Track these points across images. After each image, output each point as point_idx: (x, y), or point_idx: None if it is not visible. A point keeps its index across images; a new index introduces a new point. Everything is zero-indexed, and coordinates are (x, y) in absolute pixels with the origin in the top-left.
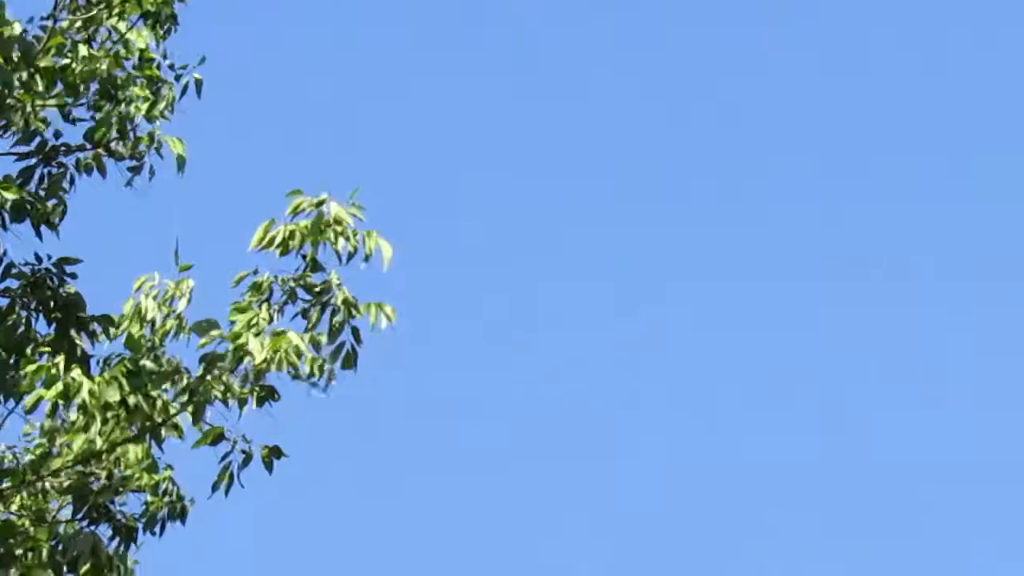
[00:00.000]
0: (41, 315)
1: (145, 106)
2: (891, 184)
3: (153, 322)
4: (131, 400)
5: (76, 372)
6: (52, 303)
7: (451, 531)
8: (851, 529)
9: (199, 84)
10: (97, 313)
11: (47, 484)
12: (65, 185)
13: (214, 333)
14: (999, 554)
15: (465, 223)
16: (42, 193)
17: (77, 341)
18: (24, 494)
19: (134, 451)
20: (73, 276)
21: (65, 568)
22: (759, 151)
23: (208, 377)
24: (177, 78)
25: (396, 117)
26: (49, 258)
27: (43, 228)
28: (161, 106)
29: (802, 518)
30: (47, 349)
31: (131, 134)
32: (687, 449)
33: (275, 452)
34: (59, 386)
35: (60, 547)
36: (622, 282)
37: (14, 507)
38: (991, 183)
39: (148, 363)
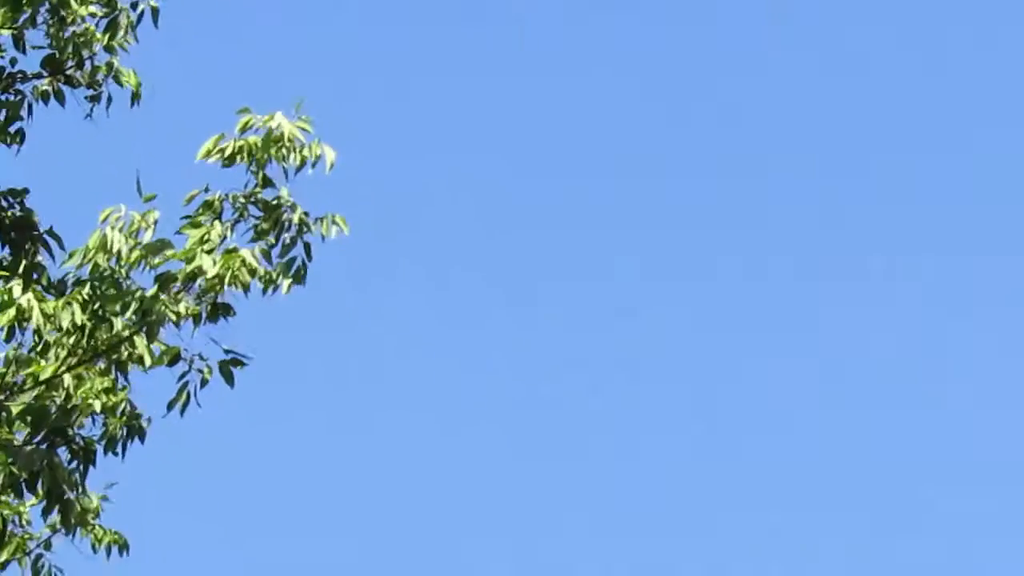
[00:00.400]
0: None
1: (104, 37)
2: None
3: (119, 253)
4: (87, 323)
5: (30, 295)
6: (5, 224)
7: (411, 442)
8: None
9: (155, 12)
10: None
11: (5, 411)
12: (23, 113)
13: (168, 253)
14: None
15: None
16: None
17: (36, 257)
18: None
19: (97, 378)
20: (25, 191)
21: (24, 488)
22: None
23: (162, 296)
24: (133, 5)
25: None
26: None
27: None
28: (120, 35)
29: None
30: (4, 273)
31: (88, 63)
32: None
33: (234, 363)
34: (11, 312)
35: (17, 466)
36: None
37: None
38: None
39: (109, 290)
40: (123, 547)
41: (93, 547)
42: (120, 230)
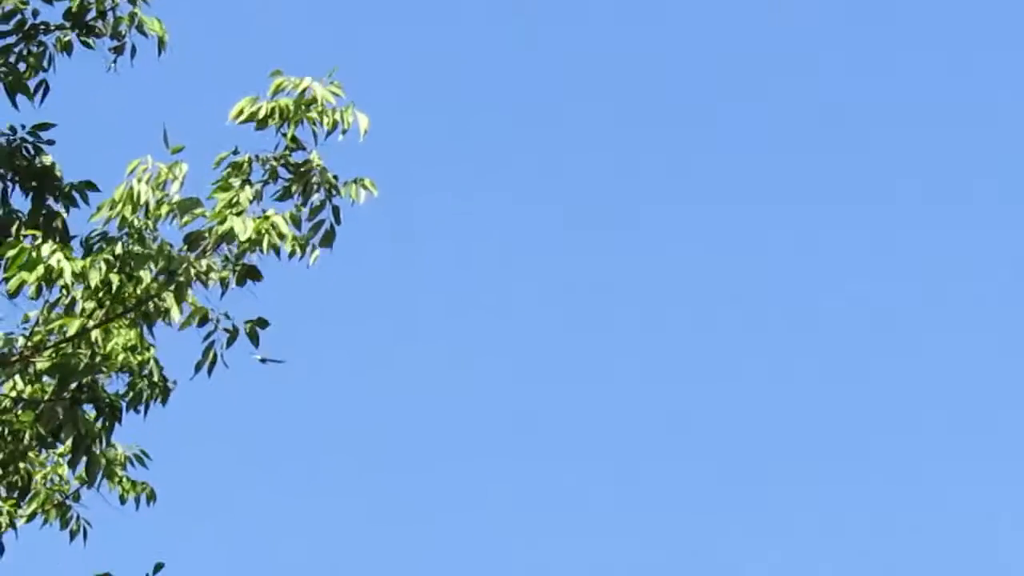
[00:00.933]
0: (17, 186)
1: None
2: None
3: (147, 205)
4: (114, 281)
5: (60, 255)
6: (28, 173)
7: (436, 402)
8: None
9: None
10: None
11: (35, 366)
12: (45, 64)
13: (196, 212)
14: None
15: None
16: (22, 68)
17: (56, 210)
18: (18, 379)
19: (124, 333)
20: (50, 143)
21: (49, 441)
22: None
23: (191, 256)
24: None
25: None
26: (23, 127)
27: (22, 100)
28: None
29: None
30: (31, 232)
31: (110, 13)
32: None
33: (260, 323)
34: (40, 269)
35: (42, 420)
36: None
37: (11, 391)
38: None
39: (136, 247)
40: (151, 497)
41: (121, 498)
42: (147, 182)
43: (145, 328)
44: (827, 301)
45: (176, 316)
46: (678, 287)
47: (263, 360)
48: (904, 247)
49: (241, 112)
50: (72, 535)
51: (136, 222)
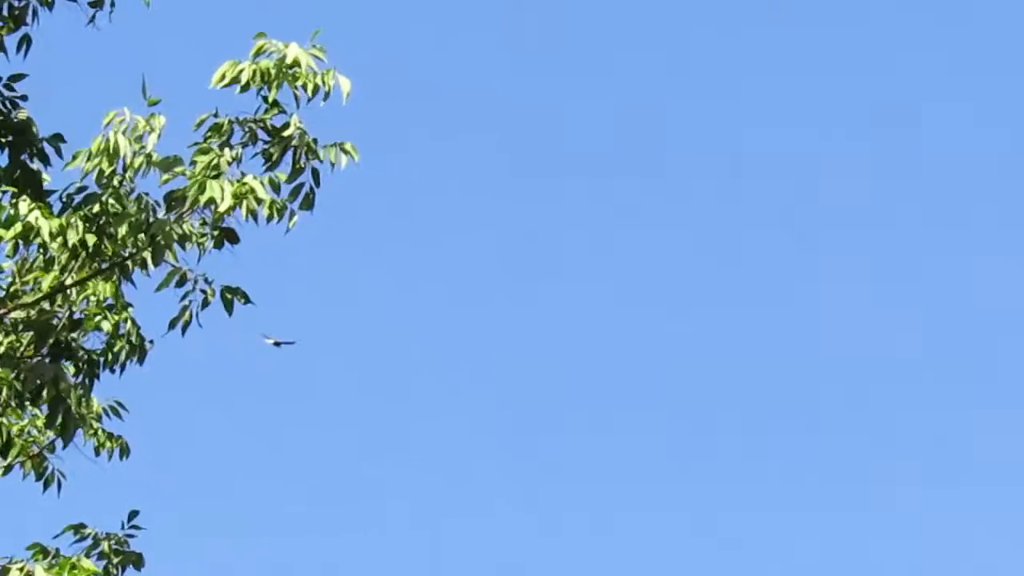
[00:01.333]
0: None
1: None
2: None
3: (124, 158)
4: (91, 240)
5: (38, 213)
6: (3, 127)
7: (412, 363)
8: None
9: None
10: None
11: (12, 318)
12: (28, 19)
13: (177, 170)
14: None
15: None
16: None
17: (31, 166)
18: None
19: (101, 287)
20: (23, 98)
21: (30, 401)
22: None
23: (170, 218)
24: None
25: None
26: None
27: None
28: None
29: None
30: (8, 188)
31: None
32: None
33: (235, 293)
34: (18, 227)
35: (22, 378)
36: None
37: None
38: None
39: (112, 201)
40: (124, 451)
41: (96, 450)
42: (124, 134)
43: (122, 285)
44: None
45: (152, 267)
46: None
47: (276, 343)
48: None
49: (223, 77)
50: (46, 485)
51: (116, 180)
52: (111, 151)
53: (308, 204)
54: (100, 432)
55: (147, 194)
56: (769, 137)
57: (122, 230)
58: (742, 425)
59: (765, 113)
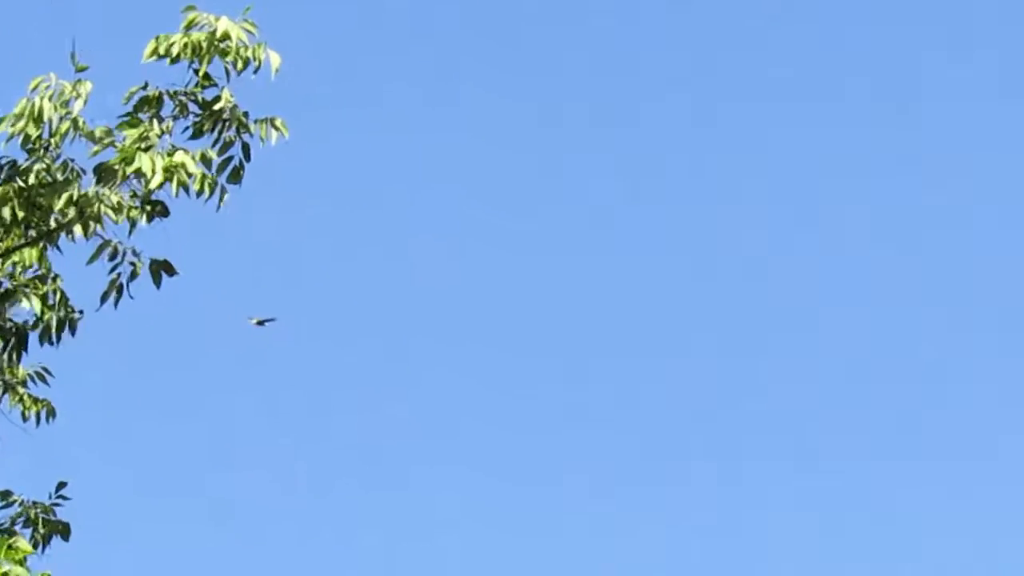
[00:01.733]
0: None
1: None
2: None
3: (50, 123)
4: (20, 214)
5: None
6: None
7: (341, 340)
8: None
9: None
10: None
11: None
12: None
13: (107, 141)
14: None
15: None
16: None
17: None
18: None
19: (28, 254)
20: None
21: None
22: None
23: (100, 190)
24: None
25: None
26: None
27: None
28: None
29: None
30: None
31: None
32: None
33: (163, 266)
34: None
35: None
36: None
37: None
38: None
39: (39, 166)
40: (51, 413)
41: (23, 415)
42: (50, 99)
43: (50, 253)
44: None
45: (84, 238)
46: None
47: (260, 322)
48: None
49: (154, 50)
50: None
51: (44, 153)
52: (36, 115)
53: (236, 178)
54: (26, 396)
55: (72, 160)
56: None
57: (58, 203)
58: None
59: None
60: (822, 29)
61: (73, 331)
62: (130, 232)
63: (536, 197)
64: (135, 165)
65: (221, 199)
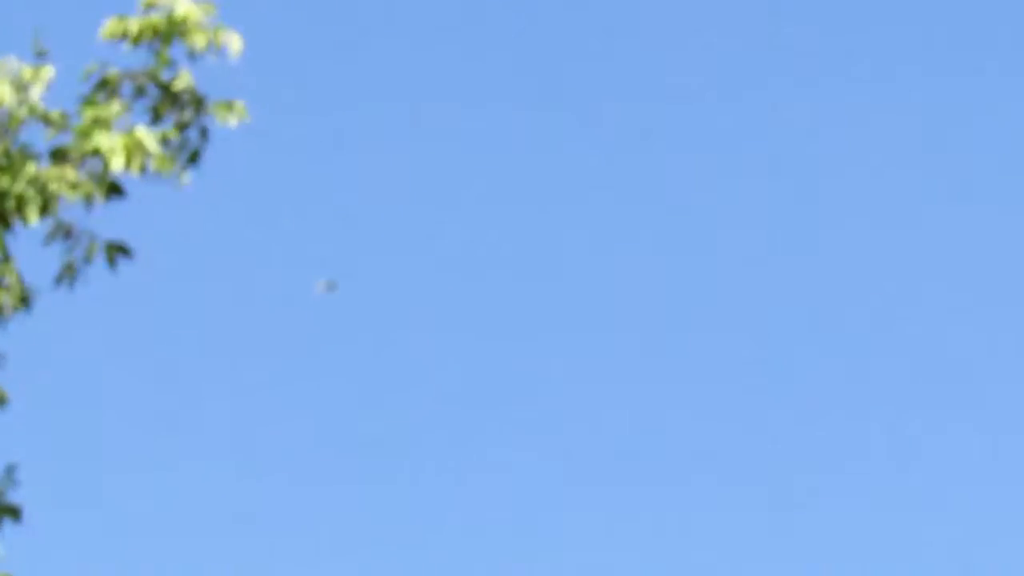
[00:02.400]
0: None
1: None
2: None
3: (8, 107)
4: None
5: None
6: None
7: (299, 327)
8: None
9: None
10: None
11: None
12: None
13: (64, 124)
14: None
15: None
16: None
17: None
18: None
19: None
20: None
21: None
22: None
23: (57, 171)
24: None
25: None
26: None
27: None
28: None
29: None
30: None
31: None
32: None
33: (119, 249)
34: None
35: None
36: None
37: None
38: None
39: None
40: (2, 400)
41: None
42: (9, 83)
43: (5, 236)
44: None
45: (36, 220)
46: None
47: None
48: None
49: (113, 30)
50: None
51: (2, 136)
52: None
53: (194, 159)
54: None
55: (30, 144)
56: None
57: (14, 185)
58: None
59: None
60: None
61: (28, 309)
62: (86, 212)
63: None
64: (93, 144)
65: (182, 179)
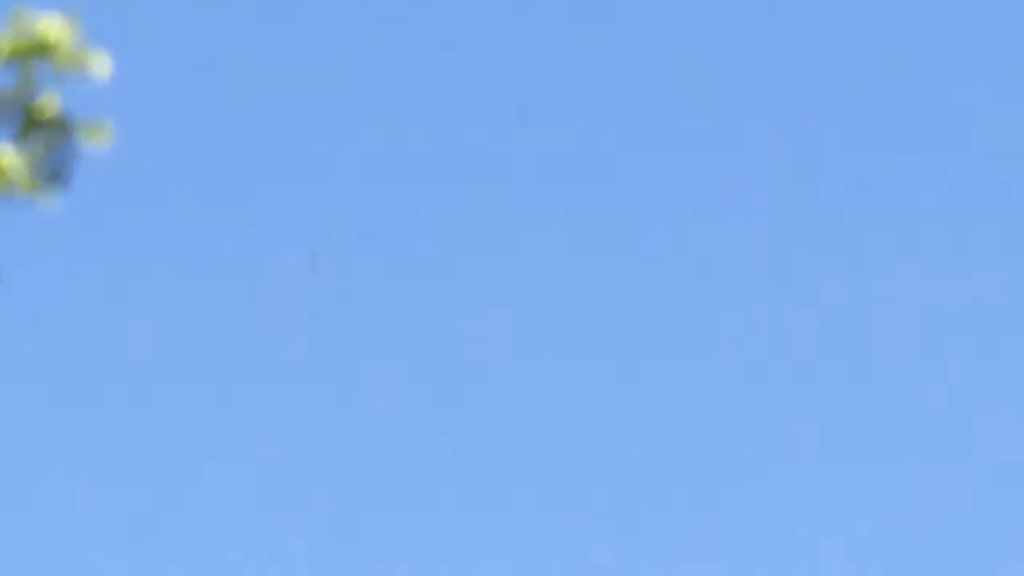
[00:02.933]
0: None
1: None
2: None
3: None
4: None
5: None
6: None
7: (179, 339)
8: None
9: None
10: None
11: None
12: None
13: None
14: None
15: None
16: None
17: None
18: None
19: None
20: None
21: None
22: None
23: None
24: None
25: None
26: None
27: None
28: None
29: None
30: None
31: None
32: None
33: None
34: None
35: None
36: None
37: None
38: None
39: None
40: None
41: None
42: None
43: None
44: None
45: None
46: None
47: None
48: None
49: None
50: None
51: None
52: None
53: (59, 181)
54: None
55: None
56: None
57: None
58: None
59: None
60: None
61: None
62: None
63: None
64: None
65: (48, 204)
